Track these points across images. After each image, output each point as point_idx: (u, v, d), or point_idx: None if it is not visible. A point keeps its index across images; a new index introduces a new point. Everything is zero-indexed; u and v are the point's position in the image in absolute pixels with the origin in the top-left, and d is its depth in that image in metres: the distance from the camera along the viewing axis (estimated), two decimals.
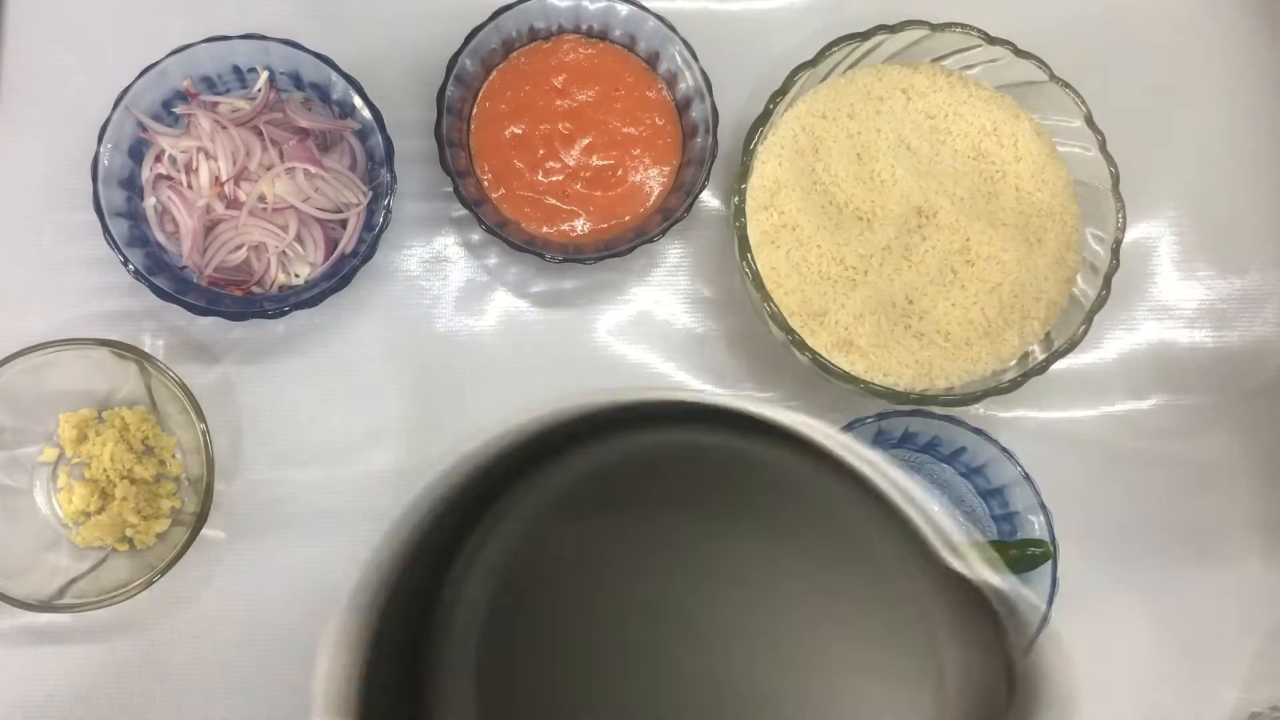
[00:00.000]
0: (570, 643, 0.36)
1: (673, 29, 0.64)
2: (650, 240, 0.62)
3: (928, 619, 0.34)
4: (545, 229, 0.64)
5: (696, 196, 0.63)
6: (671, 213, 0.63)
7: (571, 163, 0.65)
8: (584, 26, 0.66)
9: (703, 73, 0.64)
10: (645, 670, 0.35)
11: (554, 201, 0.65)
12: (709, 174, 0.63)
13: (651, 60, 0.66)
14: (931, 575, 0.33)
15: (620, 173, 0.65)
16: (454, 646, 0.36)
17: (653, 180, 0.65)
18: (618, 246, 0.63)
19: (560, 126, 0.65)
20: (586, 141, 0.65)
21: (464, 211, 0.62)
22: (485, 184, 0.65)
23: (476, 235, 0.67)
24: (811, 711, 0.35)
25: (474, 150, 0.65)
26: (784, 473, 0.36)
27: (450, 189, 0.63)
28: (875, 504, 0.33)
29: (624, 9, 0.64)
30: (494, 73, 0.66)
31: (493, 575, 0.37)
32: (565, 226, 0.65)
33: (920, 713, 0.34)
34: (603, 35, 0.66)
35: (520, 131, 0.65)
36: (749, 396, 0.67)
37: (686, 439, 0.38)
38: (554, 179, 0.65)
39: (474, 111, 0.65)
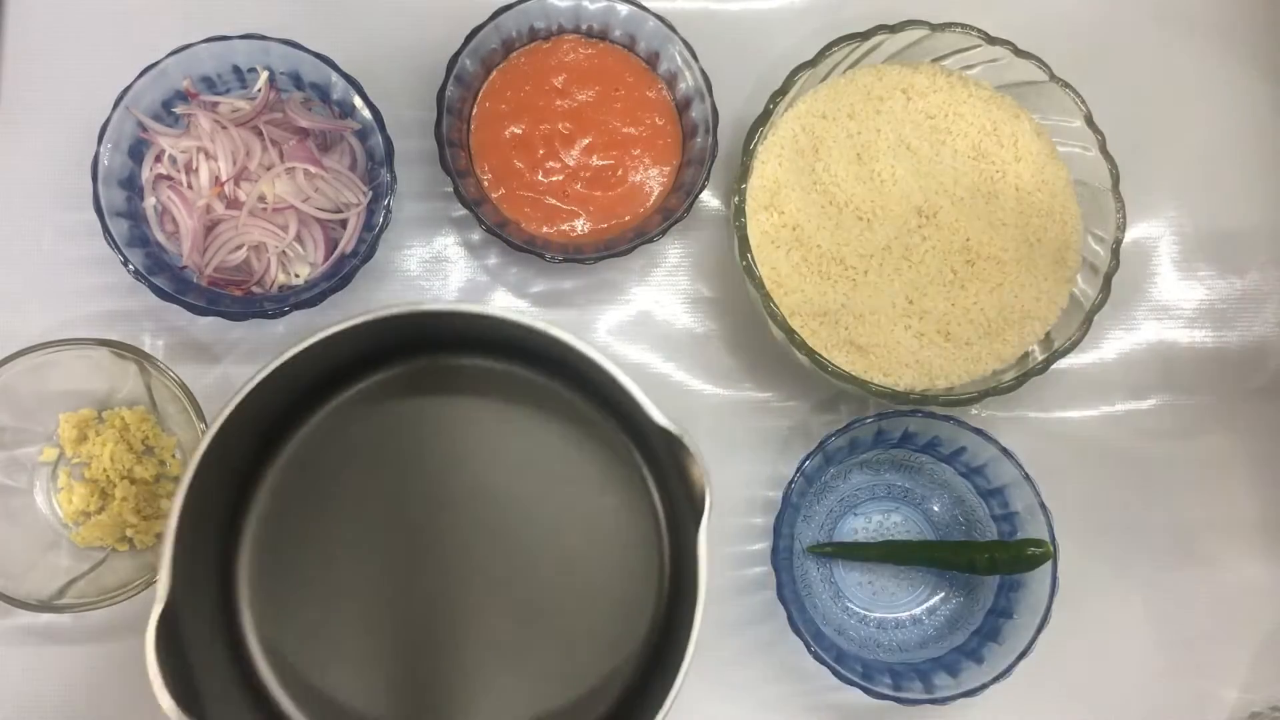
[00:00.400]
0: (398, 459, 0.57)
1: (673, 29, 0.64)
2: (650, 240, 0.62)
3: (634, 457, 0.57)
4: (545, 229, 0.64)
5: (696, 196, 0.63)
6: (671, 213, 0.63)
7: (571, 163, 0.65)
8: (584, 26, 0.66)
9: (703, 73, 0.64)
10: (445, 485, 0.57)
11: (554, 201, 0.65)
12: (709, 174, 0.63)
13: (651, 60, 0.66)
14: (642, 428, 0.53)
15: (620, 173, 0.65)
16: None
17: (653, 180, 0.65)
18: (618, 246, 0.63)
19: (560, 126, 0.65)
20: (586, 141, 0.65)
21: (464, 211, 0.62)
22: (485, 184, 0.65)
23: (476, 235, 0.67)
24: (568, 509, 0.57)
25: (474, 150, 0.65)
26: (541, 383, 0.58)
27: (450, 189, 0.63)
28: (607, 385, 0.52)
29: (624, 9, 0.64)
30: (494, 73, 0.66)
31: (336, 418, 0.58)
32: (565, 226, 0.65)
33: (638, 508, 0.57)
34: (603, 35, 0.66)
35: (520, 131, 0.65)
36: (747, 389, 0.67)
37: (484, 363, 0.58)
38: (554, 179, 0.65)
39: (474, 111, 0.65)
